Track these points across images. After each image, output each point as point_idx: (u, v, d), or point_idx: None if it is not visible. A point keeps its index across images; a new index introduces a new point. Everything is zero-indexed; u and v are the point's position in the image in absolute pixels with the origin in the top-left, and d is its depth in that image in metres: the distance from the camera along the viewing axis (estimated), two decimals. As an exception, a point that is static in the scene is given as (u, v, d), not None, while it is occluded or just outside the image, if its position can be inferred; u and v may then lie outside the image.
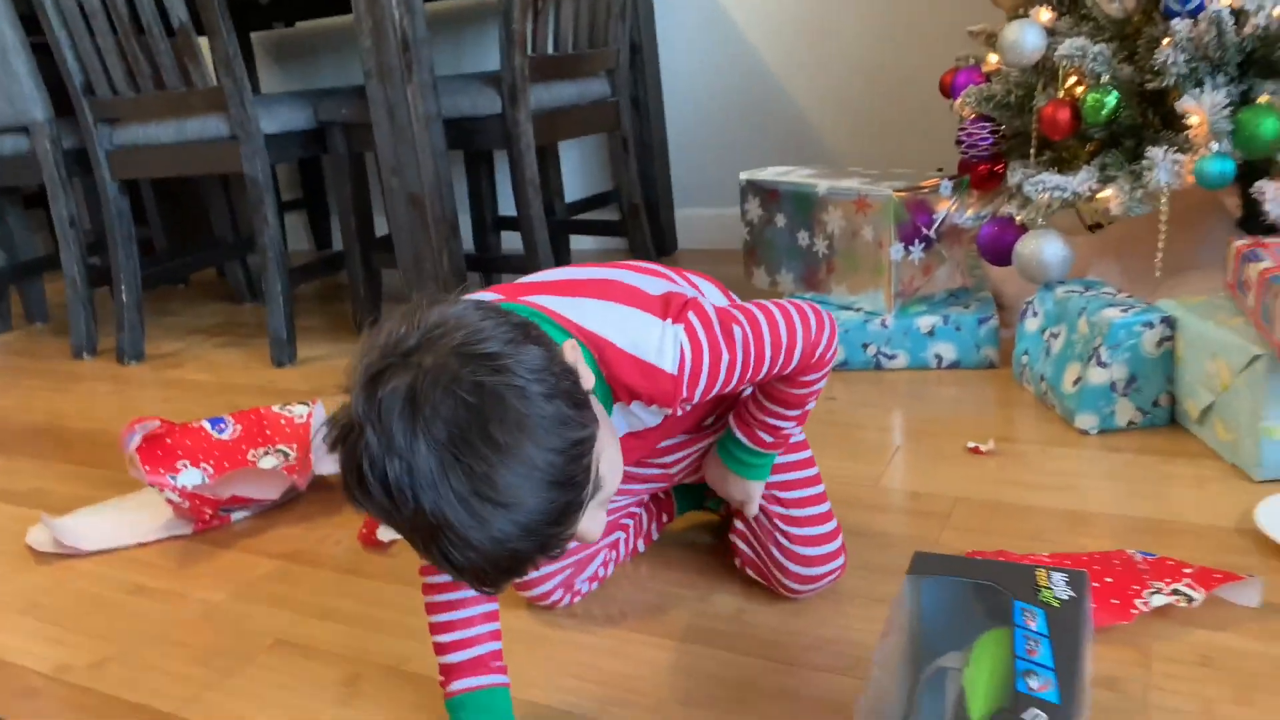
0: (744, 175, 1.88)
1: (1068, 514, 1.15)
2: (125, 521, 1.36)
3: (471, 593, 0.86)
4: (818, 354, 0.90)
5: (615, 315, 0.82)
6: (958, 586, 0.70)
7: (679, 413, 0.90)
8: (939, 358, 1.66)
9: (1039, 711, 0.58)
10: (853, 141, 2.49)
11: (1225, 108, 1.29)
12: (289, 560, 1.25)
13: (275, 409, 1.48)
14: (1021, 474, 1.26)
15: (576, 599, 1.07)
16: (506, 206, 2.69)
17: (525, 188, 2.03)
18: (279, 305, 2.05)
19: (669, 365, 0.80)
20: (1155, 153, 1.34)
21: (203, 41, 1.93)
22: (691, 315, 0.83)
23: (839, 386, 1.63)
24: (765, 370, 0.87)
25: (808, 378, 0.93)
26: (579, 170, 2.85)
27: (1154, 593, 0.93)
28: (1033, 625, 0.65)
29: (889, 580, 1.05)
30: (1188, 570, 0.95)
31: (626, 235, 2.42)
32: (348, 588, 1.16)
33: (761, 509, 1.02)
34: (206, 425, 1.44)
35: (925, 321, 1.65)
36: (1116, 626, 0.92)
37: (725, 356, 0.83)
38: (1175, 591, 0.92)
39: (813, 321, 0.89)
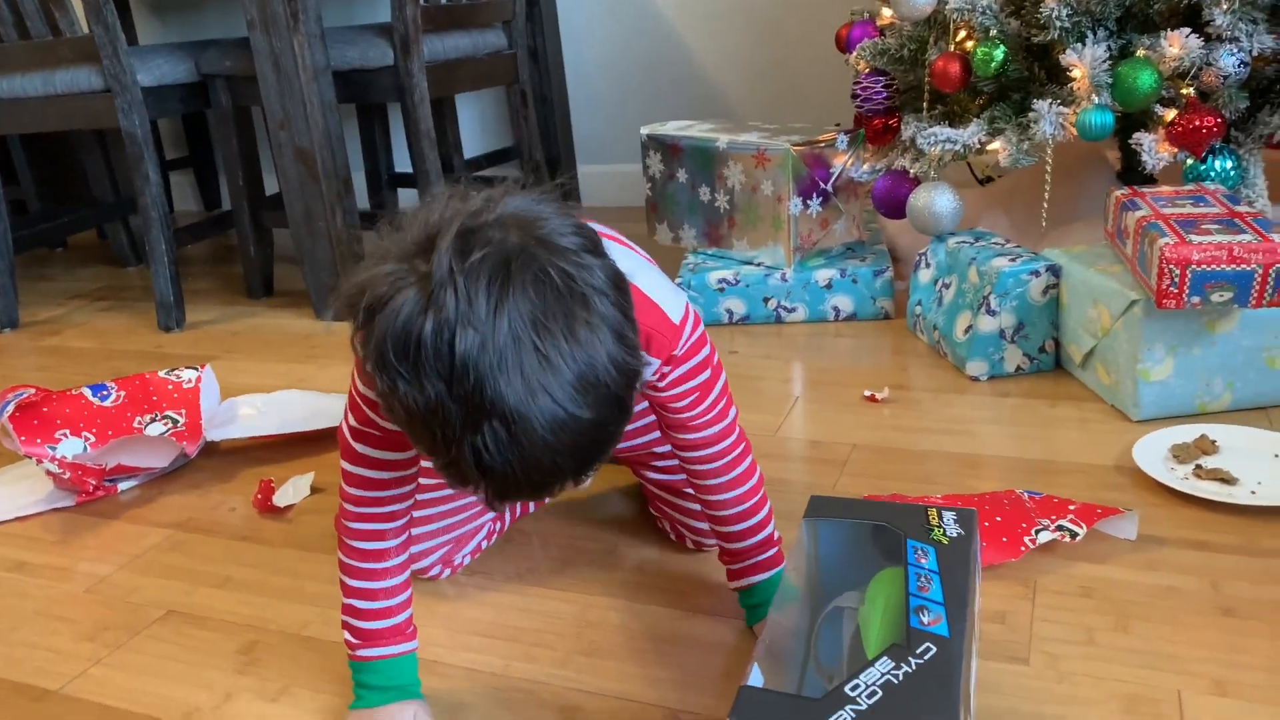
0: (645, 130, 1.87)
1: (959, 457, 1.19)
2: (2, 495, 1.30)
3: (395, 560, 0.83)
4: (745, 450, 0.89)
5: (634, 261, 0.79)
6: (852, 528, 0.72)
7: (652, 376, 0.82)
8: (836, 310, 1.69)
9: (930, 644, 0.60)
10: (753, 96, 2.50)
11: (1105, 61, 1.33)
12: (180, 529, 1.20)
13: (162, 374, 1.42)
14: (915, 420, 1.30)
15: (456, 572, 1.05)
16: (403, 163, 2.62)
17: (420, 141, 1.98)
18: (164, 267, 1.96)
19: (675, 315, 0.80)
20: (1041, 105, 1.37)
21: (69, -13, 1.82)
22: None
23: (741, 339, 1.64)
24: (718, 404, 0.86)
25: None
26: (478, 126, 2.79)
27: (1041, 529, 0.96)
28: (924, 562, 0.67)
29: (789, 526, 1.07)
30: (1071, 507, 1.00)
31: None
32: (243, 555, 1.13)
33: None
34: (87, 392, 1.37)
35: (823, 275, 1.68)
36: (1006, 563, 0.96)
37: (707, 351, 0.84)
38: (1060, 527, 0.97)
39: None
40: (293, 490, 1.24)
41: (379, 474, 0.81)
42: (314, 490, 1.25)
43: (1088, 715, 0.77)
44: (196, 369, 1.43)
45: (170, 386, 1.41)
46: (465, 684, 0.88)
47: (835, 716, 0.55)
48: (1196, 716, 0.76)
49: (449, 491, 0.99)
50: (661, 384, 0.82)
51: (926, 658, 0.59)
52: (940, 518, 0.72)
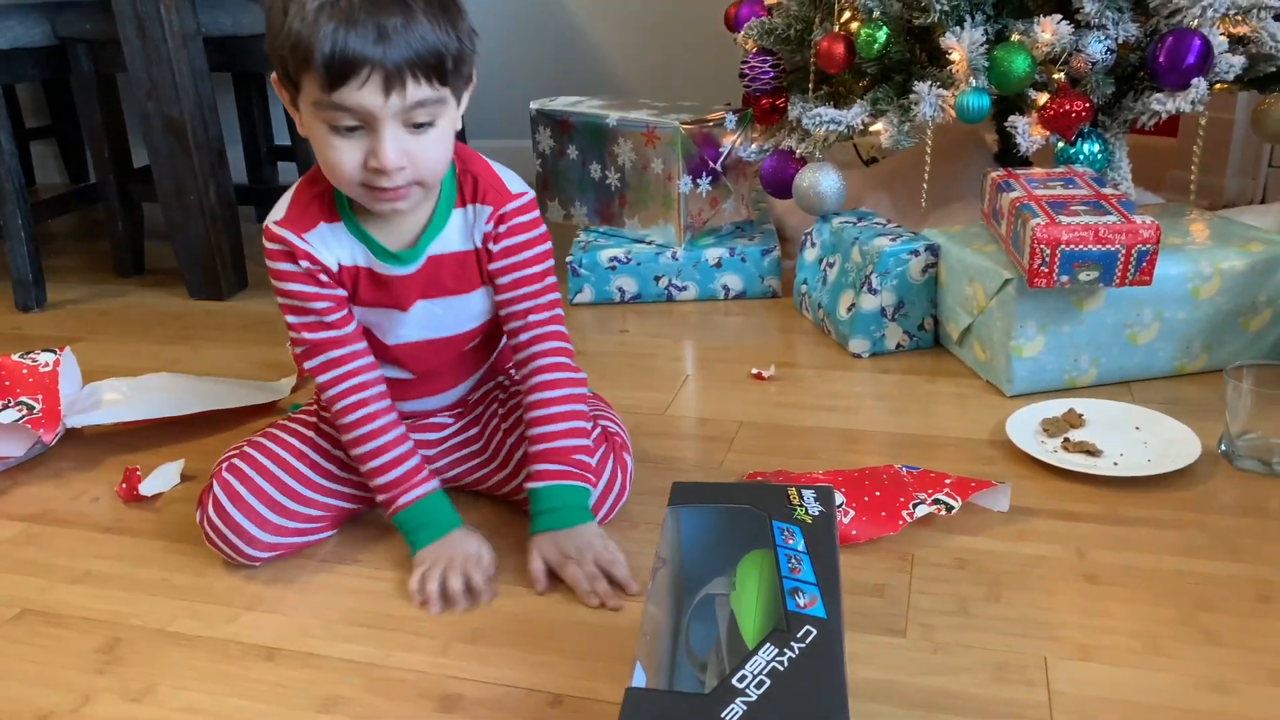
0: (534, 104, 1.84)
1: (842, 433, 1.21)
2: None
3: (386, 418, 0.98)
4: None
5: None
6: (716, 513, 0.72)
7: (478, 242, 0.98)
8: (726, 288, 1.70)
9: (810, 627, 0.60)
10: (643, 73, 2.48)
11: (982, 45, 1.36)
12: (37, 522, 1.13)
13: (15, 357, 1.33)
14: (800, 397, 1.31)
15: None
16: (283, 135, 2.52)
17: (300, 115, 1.90)
18: (20, 244, 1.84)
19: (512, 185, 0.98)
20: (921, 87, 1.40)
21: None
22: None
23: (633, 319, 1.64)
24: (546, 291, 1.00)
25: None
26: (363, 98, 2.70)
27: (918, 504, 0.99)
28: (792, 543, 0.68)
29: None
30: (947, 481, 1.02)
31: (415, 167, 2.32)
32: (106, 548, 1.07)
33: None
34: (-69, 378, 1.28)
35: (713, 253, 1.68)
36: (885, 537, 0.98)
37: (544, 230, 1.00)
38: (936, 501, 0.99)
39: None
40: (161, 478, 1.18)
41: (325, 334, 0.97)
42: (184, 478, 1.19)
43: (960, 684, 0.79)
44: (55, 351, 1.35)
45: (25, 370, 1.32)
46: (342, 675, 0.85)
47: (727, 711, 0.54)
48: (1060, 679, 0.79)
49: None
50: (501, 230, 0.97)
51: (808, 641, 0.59)
52: (801, 497, 0.73)
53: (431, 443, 1.09)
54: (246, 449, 1.02)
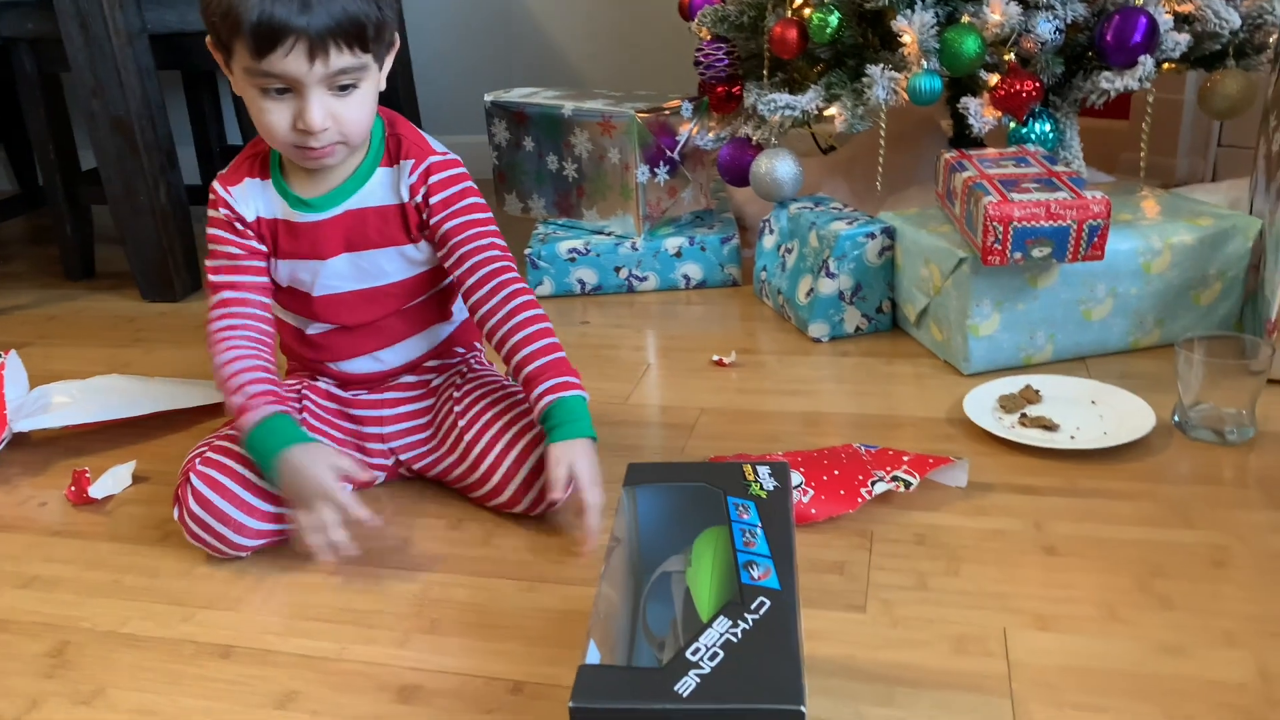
0: (489, 96, 1.82)
1: (802, 415, 1.21)
2: None
3: (254, 350, 1.00)
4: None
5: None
6: (671, 492, 0.71)
7: (405, 194, 1.03)
8: (686, 278, 1.69)
9: (763, 598, 0.60)
10: (598, 63, 2.48)
11: (933, 27, 1.37)
12: (-17, 528, 1.11)
13: (-40, 362, 1.30)
14: (760, 382, 1.31)
15: None
16: (235, 134, 2.48)
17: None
18: (-35, 248, 1.80)
19: (438, 146, 1.05)
20: (874, 71, 1.40)
21: None
22: None
23: (594, 310, 1.63)
24: (491, 226, 1.05)
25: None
26: (318, 97, 2.67)
27: (877, 481, 0.99)
28: (746, 517, 0.68)
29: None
30: (906, 458, 1.02)
31: (371, 165, 2.30)
32: (55, 551, 1.05)
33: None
34: (-128, 385, 1.24)
35: (673, 243, 1.68)
36: (845, 515, 0.98)
37: (473, 184, 1.05)
38: (895, 478, 0.99)
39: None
40: (112, 480, 1.15)
41: (229, 277, 1.03)
42: (136, 479, 1.17)
43: (920, 657, 0.80)
44: (1, 355, 1.32)
45: (-30, 375, 1.29)
46: (299, 671, 0.84)
47: (680, 683, 0.54)
48: (1019, 649, 0.79)
49: None
50: (432, 182, 1.02)
51: (762, 612, 0.59)
52: (756, 473, 0.73)
53: (385, 419, 1.12)
54: (218, 442, 1.01)
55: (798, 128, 1.58)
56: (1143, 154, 1.45)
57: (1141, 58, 1.32)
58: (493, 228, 1.05)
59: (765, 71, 1.61)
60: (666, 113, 1.67)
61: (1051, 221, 1.15)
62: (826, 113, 1.50)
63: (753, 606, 0.59)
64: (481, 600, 0.91)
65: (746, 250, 1.74)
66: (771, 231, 1.55)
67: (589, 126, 1.68)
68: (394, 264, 1.07)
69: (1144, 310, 1.27)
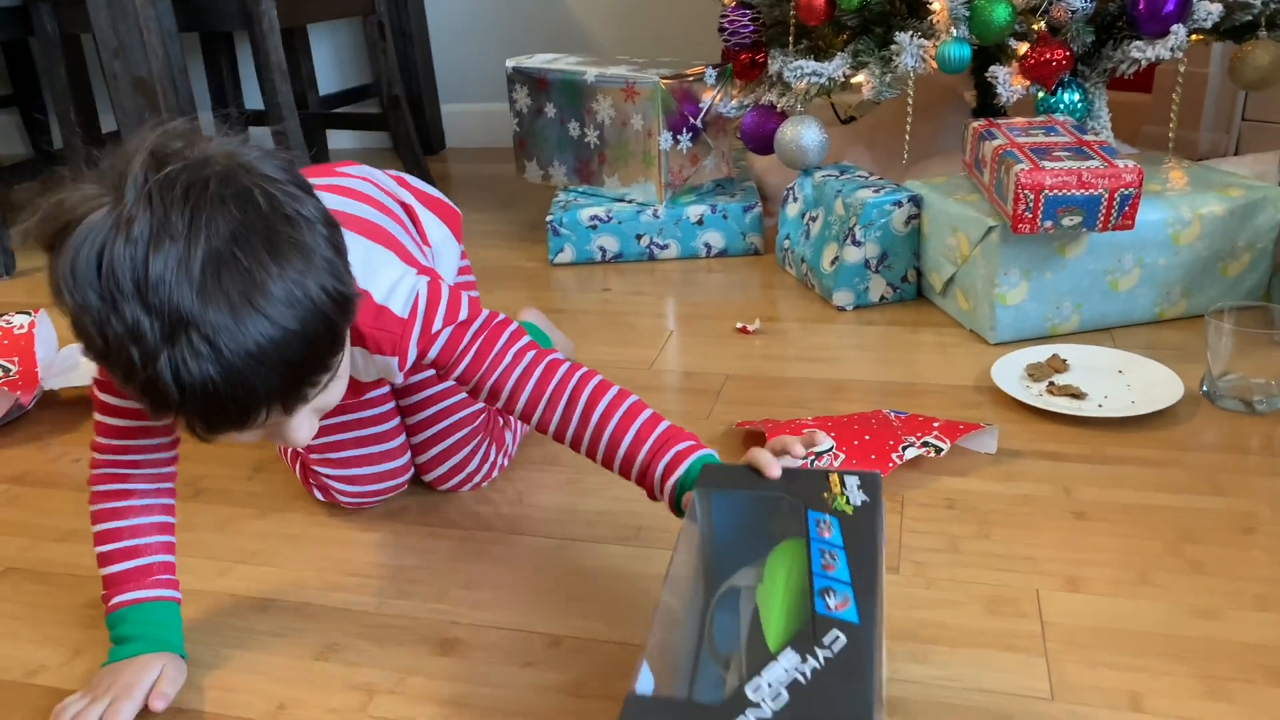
0: (510, 62, 1.81)
1: (827, 383, 1.21)
2: None
3: (140, 501, 0.81)
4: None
5: (363, 248, 0.78)
6: (747, 498, 0.65)
7: (400, 380, 0.83)
8: (708, 246, 1.69)
9: (838, 633, 0.53)
10: (621, 29, 2.46)
11: (963, -5, 1.36)
12: (17, 483, 1.12)
13: (-11, 321, 1.31)
14: (785, 349, 1.31)
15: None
16: (254, 99, 2.48)
17: (271, 73, 1.87)
18: (-13, 209, 1.81)
19: (399, 308, 0.77)
20: (903, 38, 1.40)
21: None
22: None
23: (615, 278, 1.63)
24: (509, 351, 0.80)
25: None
26: (333, 62, 2.66)
27: (907, 446, 0.99)
28: (827, 536, 0.61)
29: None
30: (936, 424, 1.03)
31: (389, 129, 2.30)
32: (87, 507, 1.05)
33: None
34: (-98, 342, 1.25)
35: (694, 211, 1.68)
36: (874, 480, 0.99)
37: (465, 313, 0.80)
38: (925, 443, 1.00)
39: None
40: (143, 438, 1.16)
41: (123, 422, 0.79)
42: (167, 437, 1.18)
43: (955, 616, 0.80)
44: (29, 314, 1.33)
45: (0, 333, 1.30)
46: (338, 623, 0.85)
47: None
48: (1052, 610, 0.80)
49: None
50: (427, 360, 0.81)
51: (835, 649, 0.52)
52: (843, 484, 0.66)
53: (395, 449, 1.00)
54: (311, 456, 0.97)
55: (820, 97, 1.57)
56: (1172, 126, 1.44)
57: (1174, 27, 1.31)
58: (500, 345, 0.81)
59: (791, 39, 1.60)
60: (690, 79, 1.66)
61: (1083, 190, 1.15)
62: (854, 81, 1.49)
63: (825, 641, 0.53)
64: (517, 557, 0.92)
65: (768, 220, 1.74)
66: (796, 199, 1.55)
67: (612, 93, 1.67)
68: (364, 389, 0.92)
69: (1171, 281, 1.27)
